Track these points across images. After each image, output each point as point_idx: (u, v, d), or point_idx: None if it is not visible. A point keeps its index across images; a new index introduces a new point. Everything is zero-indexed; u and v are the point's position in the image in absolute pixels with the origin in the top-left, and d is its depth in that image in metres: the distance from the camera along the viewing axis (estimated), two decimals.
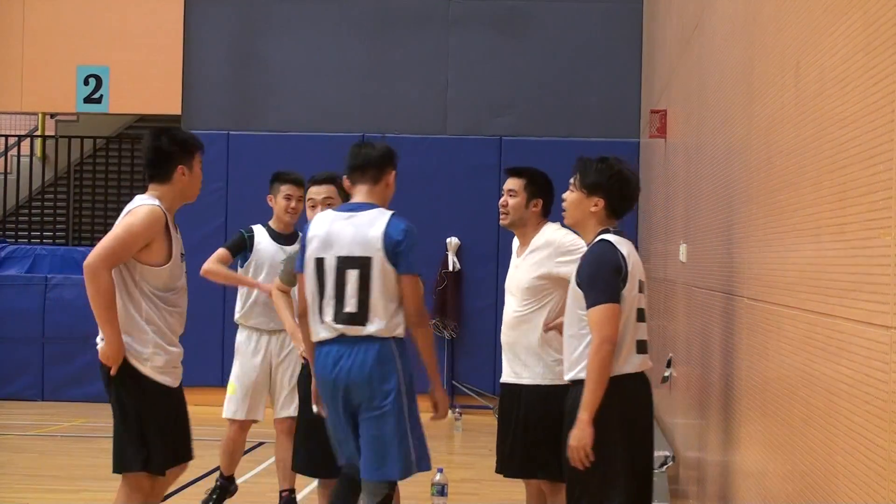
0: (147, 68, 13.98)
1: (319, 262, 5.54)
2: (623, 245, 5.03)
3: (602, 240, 5.04)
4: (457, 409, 12.25)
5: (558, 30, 13.60)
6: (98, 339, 5.54)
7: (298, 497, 7.73)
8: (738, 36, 5.24)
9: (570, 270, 5.76)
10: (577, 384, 4.98)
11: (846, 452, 3.01)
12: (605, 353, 4.83)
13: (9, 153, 16.27)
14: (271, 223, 7.70)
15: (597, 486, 4.92)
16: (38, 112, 15.91)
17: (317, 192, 6.61)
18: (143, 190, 5.72)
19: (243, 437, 7.74)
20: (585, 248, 5.89)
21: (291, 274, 6.68)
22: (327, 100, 13.71)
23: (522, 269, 6.01)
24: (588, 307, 4.92)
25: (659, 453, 7.97)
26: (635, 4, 13.36)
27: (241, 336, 7.75)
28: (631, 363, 4.98)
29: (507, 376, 6.05)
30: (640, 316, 5.06)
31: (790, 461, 3.70)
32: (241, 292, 7.75)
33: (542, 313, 5.91)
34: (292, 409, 7.32)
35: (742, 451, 4.80)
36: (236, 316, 7.79)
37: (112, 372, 5.49)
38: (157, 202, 5.51)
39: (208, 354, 12.51)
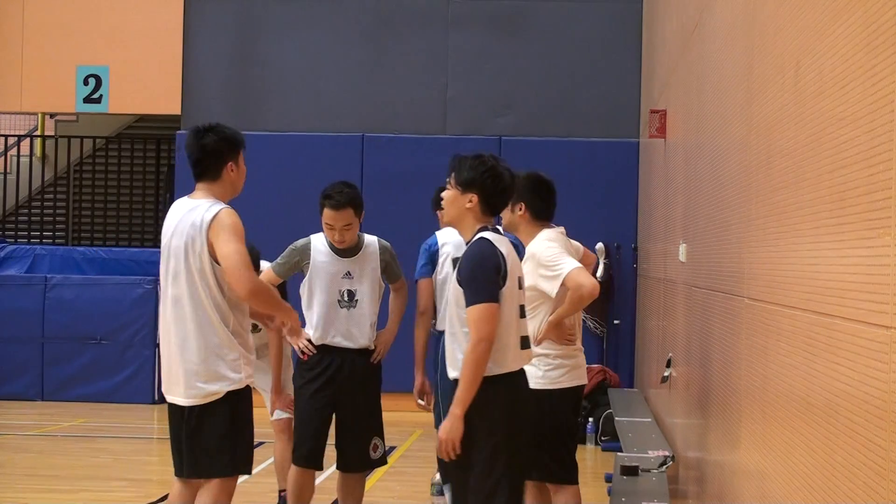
0: (147, 68, 13.98)
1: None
2: (502, 243, 5.08)
3: (481, 238, 5.08)
4: None
5: (558, 30, 13.60)
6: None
7: None
8: (737, 36, 5.24)
9: (551, 287, 5.83)
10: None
11: (846, 452, 3.01)
12: (482, 351, 4.89)
13: (8, 153, 16.27)
14: None
15: (481, 483, 4.97)
16: (38, 112, 15.91)
17: (334, 218, 6.51)
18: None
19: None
20: (562, 264, 5.89)
21: (287, 266, 6.70)
22: (327, 100, 13.71)
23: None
24: (467, 306, 4.97)
25: (659, 453, 7.97)
26: (635, 4, 13.36)
27: None
28: (516, 360, 5.06)
29: None
30: (522, 312, 5.14)
31: (790, 461, 3.70)
32: None
33: (534, 323, 5.96)
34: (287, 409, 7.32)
35: (742, 450, 4.80)
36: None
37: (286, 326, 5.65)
38: (221, 203, 5.47)
39: None
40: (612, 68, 13.47)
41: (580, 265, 5.93)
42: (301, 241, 6.71)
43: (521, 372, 5.11)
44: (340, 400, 6.60)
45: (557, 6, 13.61)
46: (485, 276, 4.96)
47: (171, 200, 13.44)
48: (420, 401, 7.09)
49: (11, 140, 16.41)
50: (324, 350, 6.55)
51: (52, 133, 16.29)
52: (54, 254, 14.37)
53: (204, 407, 5.42)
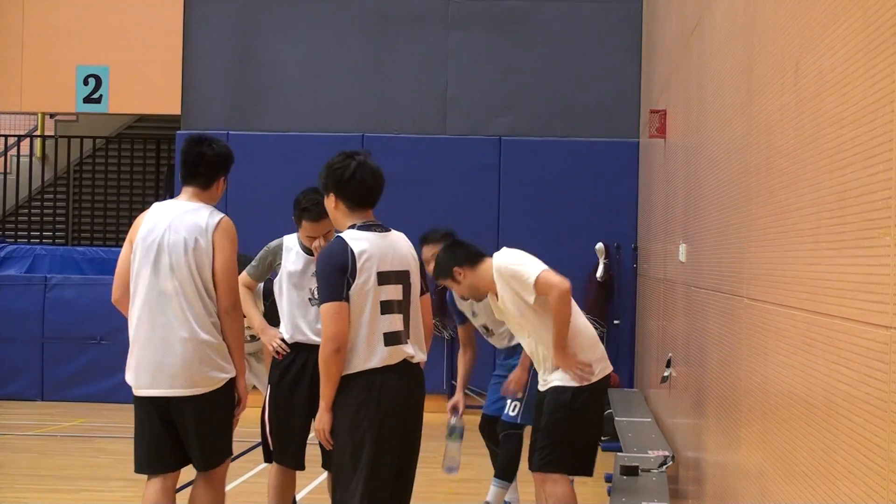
0: (147, 68, 13.97)
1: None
2: (360, 241, 5.18)
3: (336, 237, 5.27)
4: None
5: (558, 30, 13.60)
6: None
7: (298, 497, 7.72)
8: (737, 36, 5.24)
9: (528, 296, 5.92)
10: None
11: (846, 452, 3.01)
12: (329, 350, 5.08)
13: (8, 153, 16.26)
14: None
15: (349, 477, 5.12)
16: (38, 112, 15.91)
17: (315, 229, 6.56)
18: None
19: None
20: (528, 267, 5.96)
21: (260, 268, 6.74)
22: (327, 100, 13.70)
23: (506, 307, 6.15)
24: (320, 305, 5.17)
25: (659, 453, 7.97)
26: (635, 4, 13.36)
27: None
28: (377, 357, 5.13)
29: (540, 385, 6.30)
30: (386, 308, 5.18)
31: (789, 461, 3.70)
32: None
33: (546, 330, 5.97)
34: None
35: (741, 450, 4.80)
36: None
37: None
38: (216, 210, 5.71)
39: None
40: (612, 68, 13.46)
41: (546, 267, 5.97)
42: (274, 242, 6.74)
43: (389, 368, 5.16)
44: (317, 397, 6.57)
45: (557, 6, 13.61)
46: (329, 275, 5.12)
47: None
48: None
49: (11, 140, 16.41)
50: (297, 348, 6.56)
51: (52, 133, 16.28)
52: (54, 254, 14.36)
53: (209, 395, 5.56)
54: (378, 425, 5.12)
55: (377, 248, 5.21)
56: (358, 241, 5.18)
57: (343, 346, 5.08)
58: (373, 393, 5.12)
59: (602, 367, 6.10)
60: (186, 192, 5.74)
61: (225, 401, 5.64)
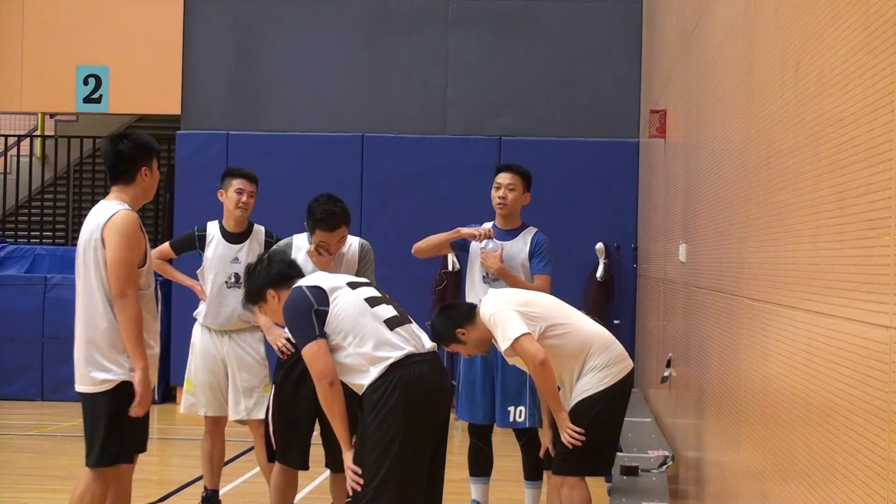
0: (147, 68, 13.97)
1: None
2: (309, 279, 5.41)
3: (293, 287, 5.38)
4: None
5: (558, 30, 13.59)
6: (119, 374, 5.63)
7: (298, 497, 7.72)
8: (737, 36, 5.24)
9: (503, 347, 5.93)
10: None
11: (846, 452, 3.01)
12: (325, 386, 5.15)
13: (8, 153, 16.26)
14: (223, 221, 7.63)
15: (375, 472, 5.10)
16: (38, 112, 15.90)
17: (330, 237, 6.54)
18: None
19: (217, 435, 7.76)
20: (506, 321, 5.92)
21: None
22: (327, 100, 13.70)
23: None
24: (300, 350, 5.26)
25: (659, 453, 7.97)
26: (635, 4, 13.36)
27: (195, 333, 7.84)
28: (392, 342, 5.18)
29: None
30: (373, 302, 5.30)
31: (789, 461, 3.70)
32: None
33: (553, 359, 5.95)
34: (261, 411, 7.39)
35: (741, 450, 4.80)
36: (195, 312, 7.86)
37: (139, 406, 5.58)
38: (126, 206, 5.66)
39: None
40: (612, 68, 13.46)
41: (526, 331, 5.87)
42: (282, 241, 6.76)
43: (420, 361, 5.19)
44: None
45: (557, 6, 13.61)
46: (297, 322, 5.22)
47: (171, 200, 13.49)
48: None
49: (11, 140, 16.41)
50: None
51: (52, 133, 16.28)
52: (54, 254, 14.35)
53: (96, 395, 5.64)
54: (414, 426, 5.12)
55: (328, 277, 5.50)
56: (307, 280, 5.38)
57: (336, 379, 5.15)
58: (407, 389, 5.11)
59: (619, 368, 6.03)
60: (112, 191, 5.76)
61: (108, 405, 5.61)
